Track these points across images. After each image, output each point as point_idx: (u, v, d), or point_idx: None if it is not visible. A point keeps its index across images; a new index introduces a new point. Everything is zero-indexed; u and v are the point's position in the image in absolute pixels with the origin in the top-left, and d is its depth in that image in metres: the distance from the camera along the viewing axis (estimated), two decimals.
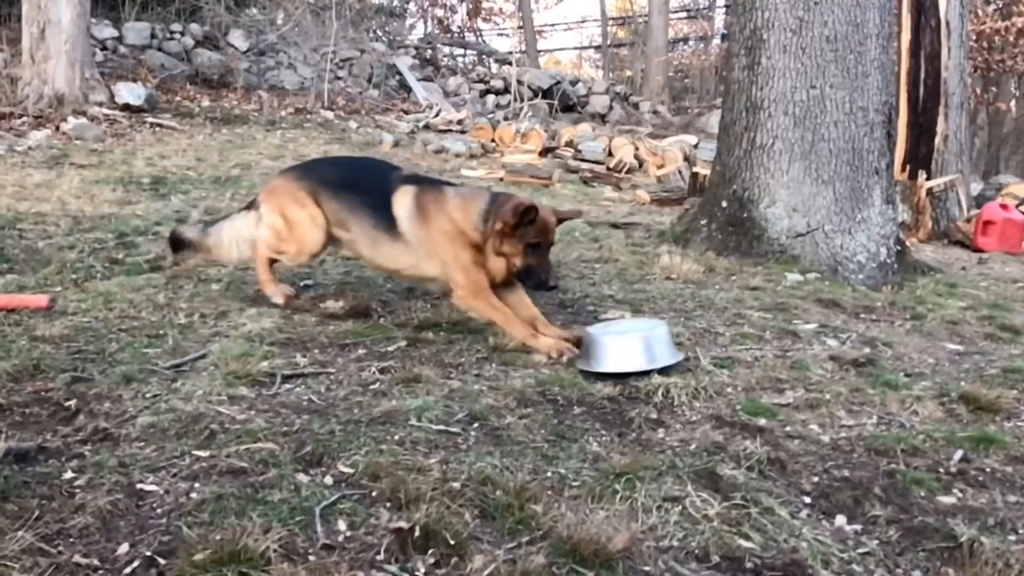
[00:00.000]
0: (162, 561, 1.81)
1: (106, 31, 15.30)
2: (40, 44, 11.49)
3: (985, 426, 2.89)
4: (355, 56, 18.06)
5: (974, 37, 15.07)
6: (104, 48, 14.99)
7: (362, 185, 3.99)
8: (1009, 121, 22.97)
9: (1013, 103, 22.72)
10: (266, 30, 17.16)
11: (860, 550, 2.02)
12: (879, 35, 5.64)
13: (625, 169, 11.91)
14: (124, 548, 1.86)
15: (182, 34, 16.17)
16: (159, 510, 2.04)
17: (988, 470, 2.53)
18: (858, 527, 2.14)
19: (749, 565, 1.93)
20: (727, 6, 25.53)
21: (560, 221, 3.78)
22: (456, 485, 2.18)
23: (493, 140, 13.58)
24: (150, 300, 3.97)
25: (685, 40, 30.06)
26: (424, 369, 3.15)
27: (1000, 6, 17.80)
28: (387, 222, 3.78)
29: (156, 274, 4.52)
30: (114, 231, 5.55)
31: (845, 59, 5.57)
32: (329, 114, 14.76)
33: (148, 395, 2.79)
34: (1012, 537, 2.10)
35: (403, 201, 3.76)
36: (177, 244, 4.33)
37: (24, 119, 11.02)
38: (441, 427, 2.60)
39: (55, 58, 11.52)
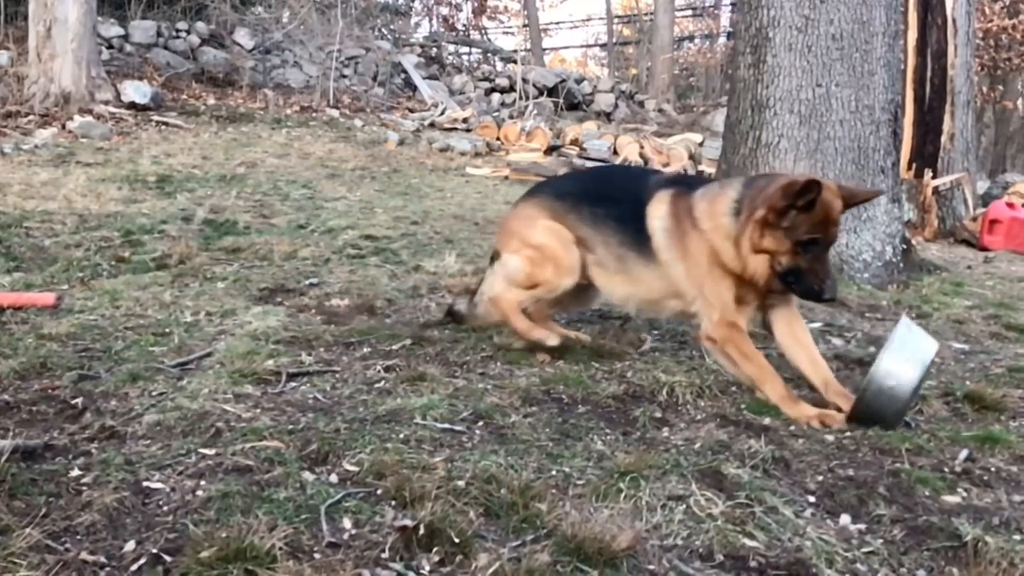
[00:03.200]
0: (168, 559, 1.82)
1: (112, 29, 15.33)
2: (46, 42, 11.52)
3: (990, 425, 2.89)
4: (360, 54, 18.06)
5: (981, 35, 15.03)
6: (110, 47, 15.01)
7: (610, 194, 3.40)
8: (1016, 119, 22.90)
9: (1020, 101, 22.65)
10: (272, 28, 17.18)
11: (864, 549, 2.01)
12: (885, 33, 5.62)
13: None
14: (130, 545, 1.87)
15: (188, 32, 16.19)
16: (165, 508, 2.05)
17: (993, 469, 2.52)
18: (862, 526, 2.14)
19: (753, 564, 1.93)
20: (733, 4, 25.47)
21: (850, 205, 3.01)
22: (461, 483, 2.18)
23: (498, 138, 13.58)
24: (156, 298, 3.99)
25: (691, 38, 30.03)
26: (429, 368, 3.15)
27: (1007, 4, 17.73)
28: (638, 238, 3.18)
29: (162, 272, 4.54)
30: (120, 229, 5.57)
31: (851, 57, 5.55)
32: (334, 112, 14.78)
33: (154, 393, 2.80)
34: (1017, 536, 2.09)
35: (658, 211, 3.14)
36: (455, 318, 3.78)
37: (30, 117, 11.05)
38: (446, 425, 2.61)
39: (61, 56, 11.55)
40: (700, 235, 3.01)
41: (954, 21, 9.00)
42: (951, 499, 2.31)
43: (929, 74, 9.07)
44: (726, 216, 2.96)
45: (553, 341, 3.32)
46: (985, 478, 2.46)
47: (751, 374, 3.00)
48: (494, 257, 3.61)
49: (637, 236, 3.18)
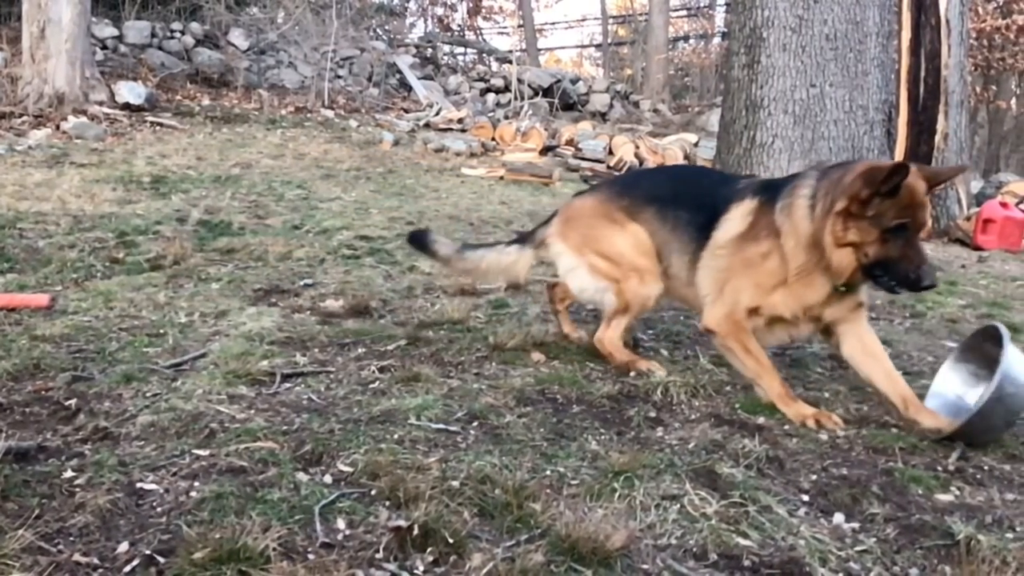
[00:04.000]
0: (162, 560, 1.82)
1: (106, 30, 15.30)
2: (40, 43, 11.49)
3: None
4: (355, 55, 18.06)
5: (974, 35, 15.07)
6: (104, 47, 14.99)
7: (689, 199, 3.20)
8: (1009, 119, 22.98)
9: (1013, 101, 22.72)
10: (266, 29, 17.16)
11: (858, 548, 2.02)
12: (879, 33, 5.65)
13: (626, 167, 11.91)
14: (124, 547, 1.87)
15: (182, 33, 16.17)
16: (159, 509, 2.05)
17: (986, 468, 2.53)
18: (856, 525, 2.14)
19: (747, 563, 1.93)
20: (727, 4, 25.50)
21: (934, 185, 2.82)
22: (455, 484, 2.18)
23: (493, 139, 13.58)
24: (150, 299, 3.98)
25: (686, 38, 30.05)
26: (424, 368, 3.15)
27: (1000, 4, 17.79)
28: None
29: (156, 273, 4.53)
30: (114, 230, 5.56)
31: (845, 57, 5.58)
32: (329, 113, 14.76)
33: (148, 394, 2.79)
34: (1009, 535, 2.10)
35: (736, 215, 3.00)
36: (422, 248, 3.69)
37: (24, 118, 11.02)
38: (440, 426, 2.61)
39: (55, 57, 11.52)
40: (773, 244, 2.87)
41: (948, 21, 9.01)
42: (944, 497, 2.32)
43: (923, 74, 9.07)
44: (805, 220, 2.80)
45: (660, 372, 3.16)
46: (978, 476, 2.47)
47: (750, 368, 2.96)
48: (527, 240, 3.51)
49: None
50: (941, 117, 9.09)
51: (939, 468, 2.52)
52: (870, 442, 2.67)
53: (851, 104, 5.60)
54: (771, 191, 3.00)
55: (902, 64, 9.04)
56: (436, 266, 3.95)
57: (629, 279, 3.21)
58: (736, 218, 2.98)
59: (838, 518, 2.17)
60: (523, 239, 3.62)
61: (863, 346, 2.95)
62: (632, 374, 3.19)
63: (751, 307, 2.93)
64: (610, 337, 3.29)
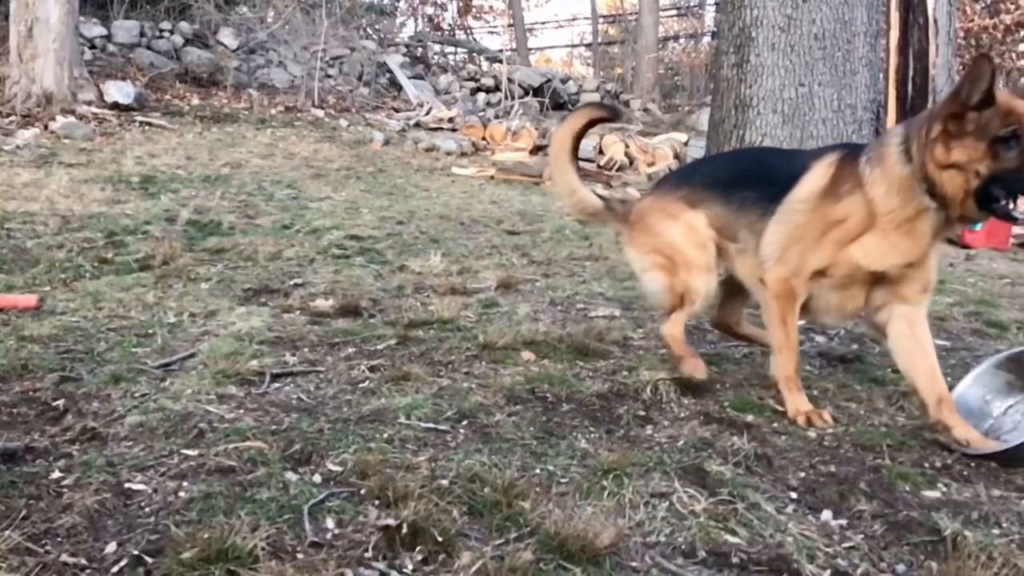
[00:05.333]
0: (150, 560, 1.81)
1: (95, 29, 15.22)
2: (28, 42, 11.42)
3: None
4: (345, 54, 18.01)
5: (962, 35, 15.16)
6: (93, 47, 14.91)
7: (764, 175, 3.06)
8: None
9: None
10: (256, 28, 17.10)
11: (845, 544, 2.03)
12: (867, 33, 5.68)
13: (616, 167, 11.93)
14: (112, 547, 1.86)
15: (171, 32, 16.09)
16: (147, 509, 2.04)
17: (973, 464, 2.55)
18: (843, 522, 2.15)
19: (735, 560, 1.94)
20: (717, 4, 25.56)
21: None
22: (444, 482, 2.18)
23: (484, 138, 13.58)
24: (139, 299, 3.97)
25: (676, 38, 30.11)
26: (414, 367, 3.15)
27: (988, 3, 17.89)
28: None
29: (145, 273, 4.52)
30: (103, 230, 5.53)
31: (833, 57, 5.60)
32: (319, 112, 14.73)
33: (137, 394, 2.79)
34: (995, 531, 2.12)
35: (815, 174, 2.83)
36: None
37: (12, 118, 10.96)
38: (430, 425, 2.61)
39: (43, 56, 11.45)
40: (861, 197, 2.67)
41: (935, 21, 9.07)
42: (931, 494, 2.33)
43: (911, 73, 9.13)
44: (898, 165, 2.62)
45: (700, 375, 3.08)
46: (965, 473, 2.49)
47: (777, 336, 2.87)
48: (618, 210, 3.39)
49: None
50: None
51: (926, 465, 2.53)
52: (858, 439, 2.69)
53: (839, 103, 5.63)
54: (853, 148, 2.88)
55: (890, 63, 9.09)
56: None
57: (680, 273, 3.11)
58: (816, 174, 2.82)
59: (826, 515, 2.18)
60: (605, 201, 3.47)
61: (913, 334, 2.82)
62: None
63: (821, 268, 2.77)
64: (668, 331, 3.19)
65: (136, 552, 1.84)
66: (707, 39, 26.77)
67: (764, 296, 2.92)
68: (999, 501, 2.31)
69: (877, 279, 2.76)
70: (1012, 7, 16.34)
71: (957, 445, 2.63)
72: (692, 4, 30.59)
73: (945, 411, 2.69)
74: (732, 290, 3.28)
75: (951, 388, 2.87)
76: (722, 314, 3.44)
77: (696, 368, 3.10)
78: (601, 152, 12.51)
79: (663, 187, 3.41)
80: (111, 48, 15.30)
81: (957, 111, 2.45)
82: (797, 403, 2.84)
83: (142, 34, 15.75)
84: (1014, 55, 17.26)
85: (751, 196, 2.99)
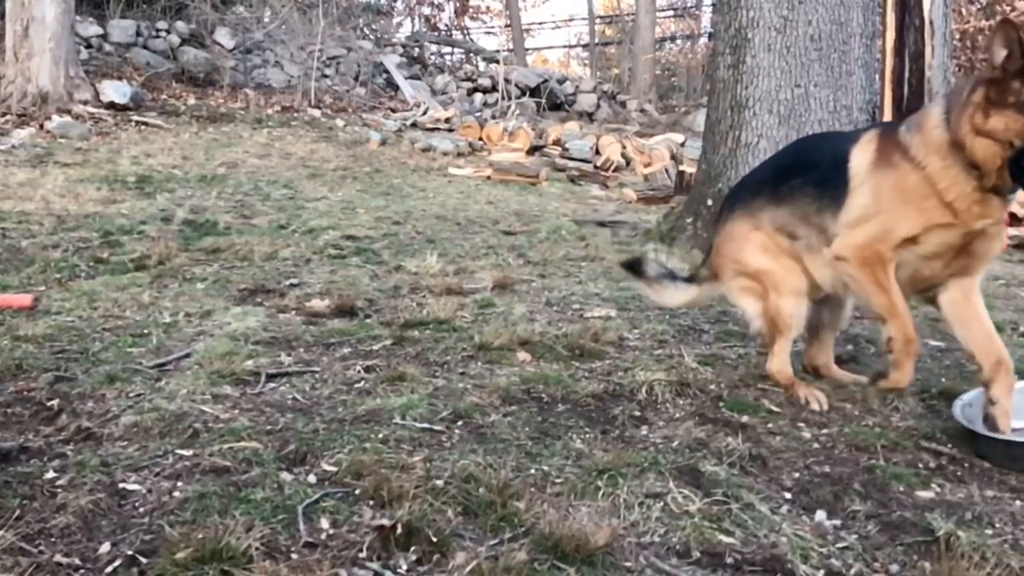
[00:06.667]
0: (144, 560, 1.81)
1: (91, 29, 15.20)
2: (24, 42, 11.41)
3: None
4: (342, 54, 18.01)
5: (958, 36, 15.19)
6: (89, 46, 14.89)
7: (805, 162, 3.02)
8: None
9: None
10: (252, 28, 17.10)
11: (839, 545, 2.03)
12: (863, 34, 5.69)
13: (612, 167, 11.95)
14: (106, 547, 1.86)
15: (168, 32, 16.08)
16: (141, 509, 2.04)
17: (967, 465, 2.55)
18: (837, 522, 2.16)
19: (729, 560, 1.94)
20: (713, 4, 25.59)
21: None
22: (439, 483, 2.18)
23: (481, 138, 13.58)
24: (134, 299, 3.96)
25: (672, 38, 30.13)
26: (409, 367, 3.15)
27: (983, 5, 17.93)
28: (838, 193, 2.80)
29: (141, 273, 4.51)
30: (99, 230, 5.53)
31: (829, 58, 5.61)
32: (316, 112, 14.72)
33: (131, 394, 2.78)
34: (989, 531, 2.12)
35: (863, 150, 2.78)
36: (635, 270, 3.46)
37: (8, 117, 10.95)
38: (425, 425, 2.61)
39: (39, 56, 11.44)
40: (910, 165, 2.63)
41: (931, 22, 9.08)
42: (925, 494, 2.34)
43: (907, 75, 9.14)
44: (938, 129, 2.60)
45: (817, 406, 2.94)
46: (958, 473, 2.49)
47: (882, 304, 2.73)
48: (697, 279, 3.31)
49: (836, 192, 2.79)
50: None
51: (920, 465, 2.53)
52: (852, 440, 2.69)
53: (835, 104, 5.63)
54: (891, 124, 2.84)
55: (886, 65, 9.11)
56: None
57: (768, 296, 3.01)
58: (858, 155, 2.77)
59: (820, 515, 2.18)
60: (692, 277, 3.41)
61: (967, 300, 2.78)
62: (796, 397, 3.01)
63: (909, 236, 2.67)
64: (775, 368, 3.09)
65: (130, 552, 1.84)
66: (704, 40, 26.79)
67: (848, 269, 2.78)
68: (992, 501, 2.31)
69: (964, 246, 2.67)
70: (1008, 8, 16.37)
71: (988, 423, 2.62)
72: (689, 5, 30.61)
73: (1002, 373, 2.64)
74: (816, 324, 3.19)
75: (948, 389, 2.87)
76: (812, 352, 3.30)
77: (816, 398, 2.97)
78: (598, 153, 12.53)
79: (723, 214, 3.30)
80: (107, 47, 15.29)
81: (998, 77, 2.41)
82: (907, 374, 2.76)
83: (138, 33, 15.73)
84: None
85: (796, 184, 2.94)
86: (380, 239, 5.85)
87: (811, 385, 3.09)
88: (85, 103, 11.75)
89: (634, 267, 3.48)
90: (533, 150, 12.95)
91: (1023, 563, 1.93)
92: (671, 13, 31.13)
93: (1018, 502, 2.30)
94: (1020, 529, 2.14)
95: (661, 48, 27.58)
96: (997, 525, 2.17)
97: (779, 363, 3.08)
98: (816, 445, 2.66)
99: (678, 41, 29.69)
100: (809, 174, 2.92)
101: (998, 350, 2.68)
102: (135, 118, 11.83)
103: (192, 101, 13.93)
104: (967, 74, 18.48)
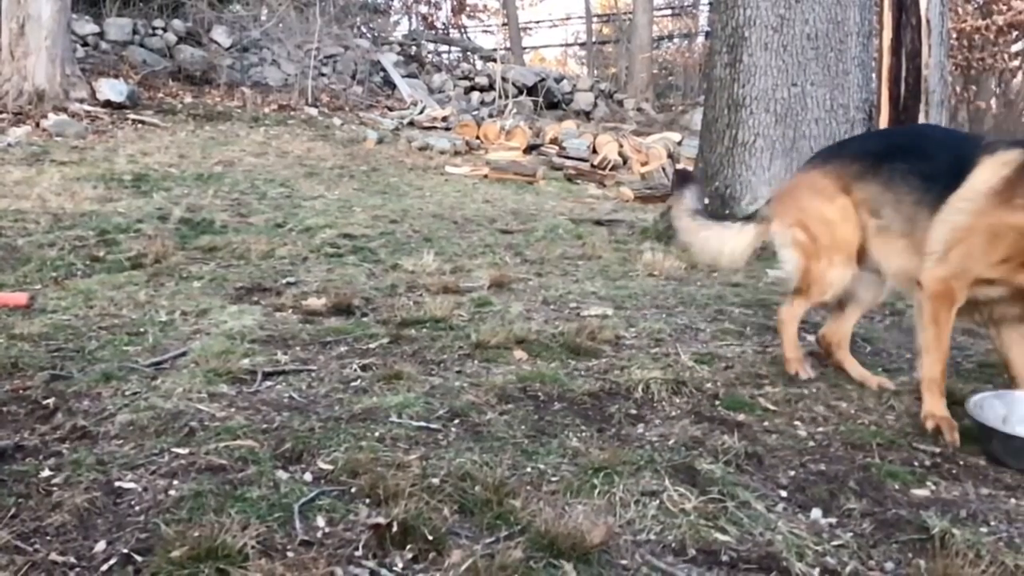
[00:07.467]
0: (139, 558, 1.81)
1: (87, 27, 15.16)
2: (20, 40, 11.38)
3: (960, 420, 2.92)
4: (339, 53, 17.98)
5: (955, 35, 15.21)
6: (85, 44, 14.84)
7: (921, 149, 2.91)
8: (989, 119, 23.16)
9: (993, 101, 22.91)
10: (249, 26, 17.06)
11: (834, 542, 2.04)
12: (859, 33, 5.70)
13: (609, 166, 11.94)
14: (101, 546, 1.86)
15: (164, 30, 16.04)
16: (137, 507, 2.04)
17: (962, 463, 2.56)
18: (833, 520, 2.16)
19: (725, 558, 1.95)
20: (710, 3, 25.60)
21: None
22: (435, 481, 2.18)
23: (478, 137, 13.57)
24: (131, 298, 3.96)
25: (670, 37, 30.12)
26: (405, 366, 3.15)
27: (980, 4, 17.95)
28: (942, 196, 2.70)
29: (137, 272, 4.51)
30: (95, 228, 5.52)
31: (826, 57, 5.62)
32: (313, 111, 14.70)
33: (127, 393, 2.78)
34: (983, 529, 2.13)
35: (991, 169, 2.63)
36: (684, 180, 3.43)
37: (3, 116, 10.91)
38: (421, 424, 2.61)
39: (35, 54, 11.41)
40: None
41: (928, 21, 9.07)
42: (920, 492, 2.34)
43: (904, 74, 9.12)
44: None
45: (804, 375, 3.04)
46: (954, 471, 2.50)
47: (928, 339, 2.74)
48: (755, 218, 3.25)
49: (943, 194, 2.69)
50: (922, 116, 9.14)
51: (915, 464, 2.54)
52: (848, 438, 2.69)
53: (832, 103, 5.65)
54: None
55: (883, 64, 9.10)
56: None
57: (821, 258, 2.98)
58: (986, 170, 2.63)
59: (815, 513, 2.19)
60: (750, 217, 3.34)
61: (1020, 330, 2.79)
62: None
63: (985, 278, 2.64)
64: (785, 315, 3.14)
65: (126, 551, 1.84)
66: (701, 39, 26.79)
67: (919, 295, 2.78)
68: (987, 499, 2.32)
69: None
70: (1004, 8, 16.39)
71: None
72: (686, 4, 30.60)
73: None
74: (846, 301, 3.17)
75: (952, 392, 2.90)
76: (830, 329, 3.30)
77: (801, 368, 3.05)
78: (595, 151, 12.52)
79: (812, 162, 3.25)
80: (104, 46, 15.24)
81: None
82: (934, 407, 2.75)
83: (135, 32, 15.69)
84: (1006, 56, 17.33)
85: (903, 168, 2.84)
86: (377, 238, 5.84)
87: (802, 356, 3.18)
88: (81, 101, 11.72)
89: (680, 210, 3.38)
90: (530, 149, 12.94)
91: (1018, 561, 1.94)
92: (668, 12, 31.13)
93: (1013, 500, 2.31)
94: (1015, 527, 2.15)
95: (658, 47, 27.58)
96: (992, 523, 2.17)
97: (792, 313, 3.13)
98: (812, 443, 2.66)
99: (675, 40, 29.69)
100: (921, 163, 2.82)
101: None
102: (131, 116, 11.80)
103: (189, 99, 13.90)
104: (964, 73, 18.53)
